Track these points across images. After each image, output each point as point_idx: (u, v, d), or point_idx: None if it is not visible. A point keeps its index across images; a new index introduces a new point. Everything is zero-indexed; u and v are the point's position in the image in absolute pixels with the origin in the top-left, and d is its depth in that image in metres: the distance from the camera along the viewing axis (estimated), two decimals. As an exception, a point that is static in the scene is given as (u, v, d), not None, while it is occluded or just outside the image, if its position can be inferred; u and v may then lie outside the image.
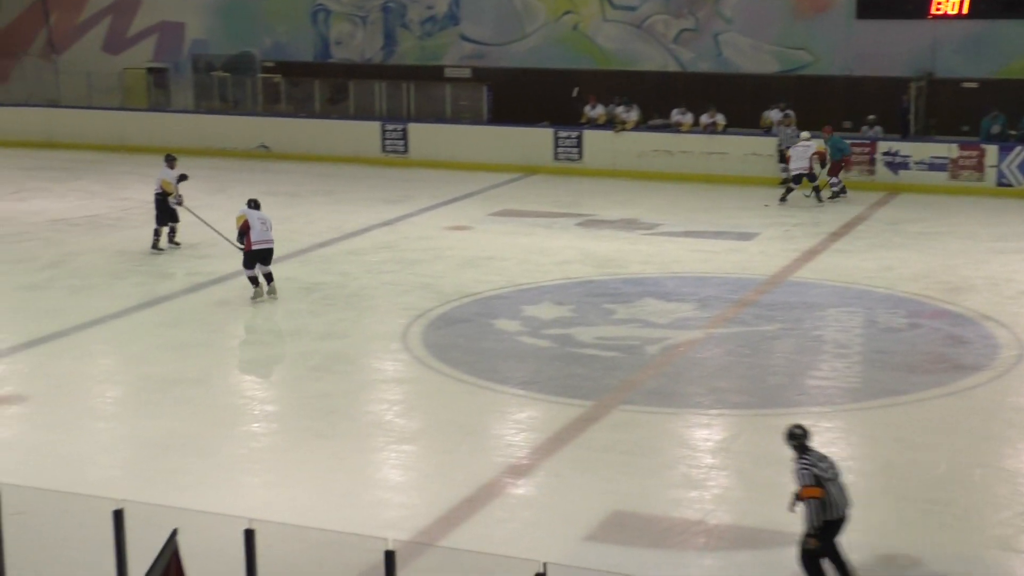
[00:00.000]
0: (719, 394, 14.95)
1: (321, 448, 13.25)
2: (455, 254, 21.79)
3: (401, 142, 31.29)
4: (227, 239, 20.51)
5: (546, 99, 31.38)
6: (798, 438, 10.12)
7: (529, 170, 29.75)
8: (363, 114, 32.37)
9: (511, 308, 18.45)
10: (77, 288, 19.75)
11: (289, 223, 24.32)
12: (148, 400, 14.88)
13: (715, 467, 12.80)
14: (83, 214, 25.13)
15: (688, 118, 29.58)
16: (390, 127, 31.44)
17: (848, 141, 27.02)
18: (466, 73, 32.70)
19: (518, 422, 14.16)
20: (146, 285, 19.83)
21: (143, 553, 7.70)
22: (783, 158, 27.28)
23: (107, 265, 21.14)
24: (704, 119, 29.30)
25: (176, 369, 15.80)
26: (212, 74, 34.91)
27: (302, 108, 33.24)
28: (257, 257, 18.90)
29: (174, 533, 6.85)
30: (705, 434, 13.87)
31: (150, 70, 35.66)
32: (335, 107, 33.17)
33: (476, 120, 31.50)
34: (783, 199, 26.00)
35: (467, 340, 16.97)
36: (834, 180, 26.52)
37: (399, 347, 16.64)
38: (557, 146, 30.10)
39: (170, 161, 22.70)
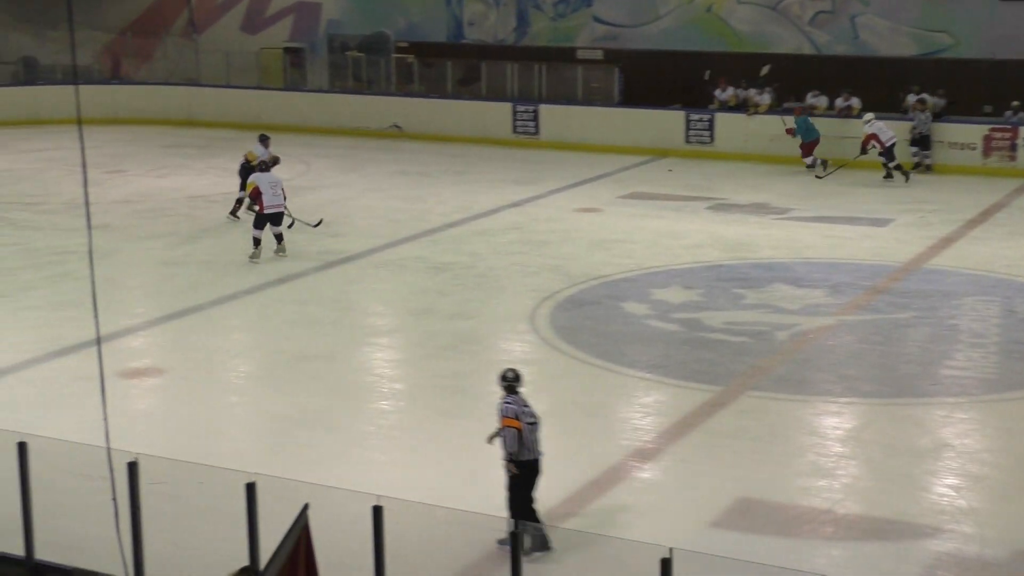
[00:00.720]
0: (850, 382, 14.70)
1: (448, 427, 13.33)
2: (584, 236, 21.74)
3: (532, 123, 31.29)
4: (302, 221, 20.77)
5: (678, 81, 31.11)
6: (509, 380, 10.68)
7: (660, 153, 29.54)
8: (495, 95, 32.43)
9: (639, 291, 18.35)
10: (213, 264, 20.12)
11: (420, 203, 24.51)
12: (279, 375, 15.11)
13: (844, 456, 12.60)
14: (220, 191, 25.56)
15: (822, 101, 29.10)
16: (521, 108, 31.45)
17: (989, 126, 26.51)
18: (598, 55, 32.56)
19: (645, 406, 14.10)
20: (279, 262, 20.10)
21: (273, 525, 7.81)
22: (915, 142, 26.89)
23: (243, 242, 21.47)
24: (839, 103, 28.80)
25: (307, 345, 16.01)
26: (347, 54, 35.25)
27: (434, 89, 33.40)
28: (267, 219, 19.98)
29: (305, 508, 6.93)
30: (835, 422, 13.65)
31: (286, 50, 36.13)
32: (467, 88, 33.28)
33: (607, 102, 31.36)
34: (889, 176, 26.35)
35: (595, 322, 16.92)
36: (808, 160, 27.16)
37: (527, 328, 16.66)
38: (688, 129, 29.85)
39: (264, 141, 23.42)
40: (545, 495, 11.42)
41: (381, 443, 13.12)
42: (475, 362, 15.65)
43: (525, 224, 22.75)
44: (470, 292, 18.50)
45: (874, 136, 26.14)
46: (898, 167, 26.38)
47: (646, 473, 12.19)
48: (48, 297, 18.13)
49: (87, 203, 8.71)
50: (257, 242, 20.05)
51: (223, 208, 23.90)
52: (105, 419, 7.62)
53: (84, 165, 8.45)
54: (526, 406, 10.63)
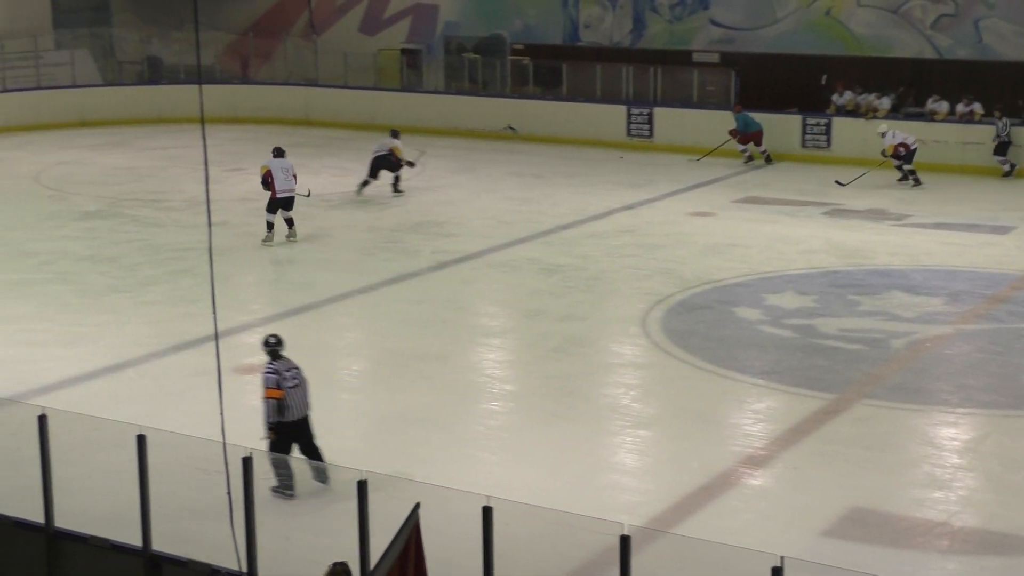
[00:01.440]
0: (967, 392, 14.40)
1: (557, 429, 13.32)
2: (697, 240, 21.58)
3: (646, 126, 31.15)
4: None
5: (794, 85, 30.73)
6: (271, 346, 11.50)
7: (775, 157, 29.21)
8: (609, 98, 32.34)
9: (753, 296, 18.17)
10: (328, 262, 20.33)
11: (533, 204, 24.53)
12: (391, 374, 15.23)
13: (961, 468, 12.34)
14: (335, 190, 25.84)
15: (942, 107, 28.55)
16: (636, 111, 31.33)
17: None
18: (714, 58, 32.30)
19: (756, 412, 13.95)
20: (393, 262, 20.27)
21: (383, 523, 7.86)
22: (997, 150, 27.01)
23: (358, 241, 21.70)
24: (960, 108, 28.23)
25: (419, 345, 16.11)
26: (463, 56, 35.42)
27: (549, 91, 33.41)
28: (279, 204, 21.02)
29: (416, 507, 6.96)
30: (951, 433, 13.38)
31: (403, 51, 36.40)
32: (582, 90, 33.23)
33: (723, 105, 31.10)
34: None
35: (707, 327, 16.79)
36: (742, 148, 28.85)
37: (638, 331, 16.58)
38: (805, 133, 29.47)
39: (396, 134, 25.32)
40: (654, 499, 11.37)
41: (491, 443, 13.15)
42: (585, 365, 15.62)
43: (638, 227, 22.65)
44: (581, 294, 18.47)
45: (901, 144, 26.15)
46: (913, 172, 26.24)
47: (757, 480, 12.06)
48: (167, 292, 18.47)
49: (208, 201, 8.79)
50: (270, 226, 21.04)
51: (338, 207, 24.17)
52: (221, 414, 7.73)
53: (206, 163, 8.59)
54: (289, 370, 11.35)
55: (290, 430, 11.31)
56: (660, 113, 31.05)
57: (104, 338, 16.32)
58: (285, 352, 11.61)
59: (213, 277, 8.52)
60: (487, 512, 7.78)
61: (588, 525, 8.49)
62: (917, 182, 26.26)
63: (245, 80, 36.47)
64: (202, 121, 8.85)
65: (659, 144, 30.72)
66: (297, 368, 11.51)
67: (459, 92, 34.57)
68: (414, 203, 24.80)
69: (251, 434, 10.09)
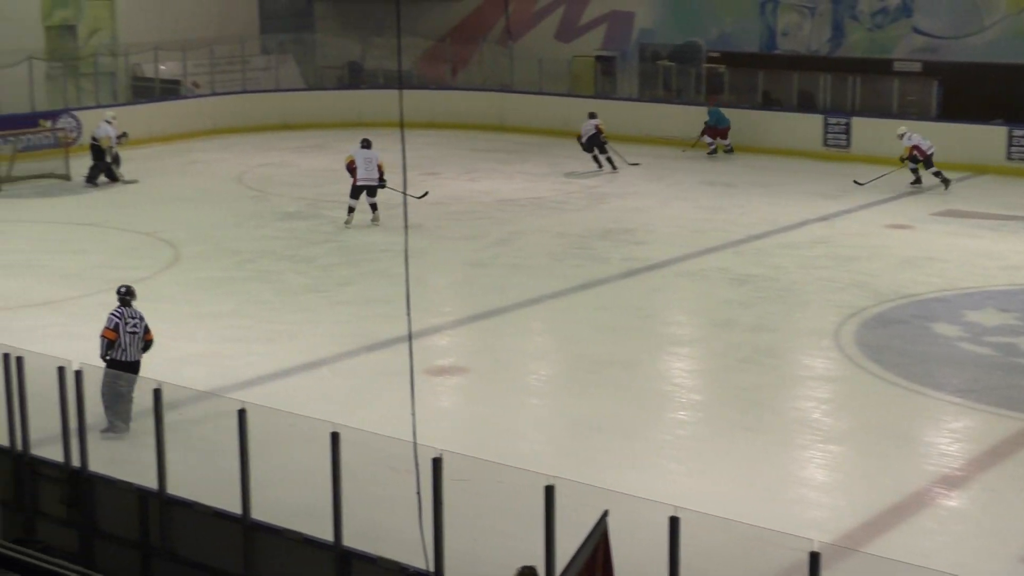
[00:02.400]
0: None
1: (745, 441, 13.15)
2: (894, 253, 21.07)
3: (843, 136, 30.54)
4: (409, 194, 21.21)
5: (1001, 95, 29.76)
6: (122, 295, 13.26)
7: (978, 169, 28.33)
8: (806, 107, 31.82)
9: (951, 312, 17.65)
10: (519, 267, 20.46)
11: (724, 213, 24.28)
12: (579, 380, 15.24)
13: None
14: (528, 195, 26.01)
15: None
16: (833, 120, 30.74)
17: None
18: (916, 67, 31.49)
19: (953, 431, 13.54)
20: (583, 268, 20.29)
21: (569, 529, 7.87)
22: None
23: (548, 246, 21.78)
24: None
25: (608, 351, 16.09)
26: (657, 63, 35.28)
27: (745, 99, 33.04)
28: (361, 190, 22.78)
29: (605, 515, 6.94)
30: None
31: (598, 58, 36.43)
32: (777, 99, 32.77)
33: (923, 115, 30.29)
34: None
35: (902, 342, 16.38)
36: (709, 140, 30.80)
37: (830, 344, 16.27)
38: (1011, 145, 28.51)
39: (594, 115, 28.85)
40: (845, 516, 11.13)
41: (677, 453, 13.05)
42: (775, 376, 15.39)
43: (832, 238, 22.22)
44: (773, 305, 18.20)
45: (916, 147, 26.33)
46: (938, 173, 26.28)
47: (952, 501, 11.71)
48: (361, 293, 18.84)
49: (405, 204, 8.95)
50: (351, 210, 22.86)
51: (530, 212, 24.33)
52: (413, 415, 7.84)
53: (404, 167, 8.75)
54: (132, 318, 13.13)
55: (124, 369, 12.71)
56: (858, 123, 30.41)
57: (300, 336, 16.72)
58: (135, 303, 13.34)
59: (408, 279, 8.65)
60: (674, 522, 7.72)
61: (777, 540, 8.35)
62: (945, 182, 26.20)
63: (442, 86, 36.98)
64: (401, 126, 8.96)
65: (856, 154, 30.06)
66: (140, 319, 13.21)
67: (653, 100, 34.44)
68: (605, 209, 24.79)
69: (439, 435, 10.21)
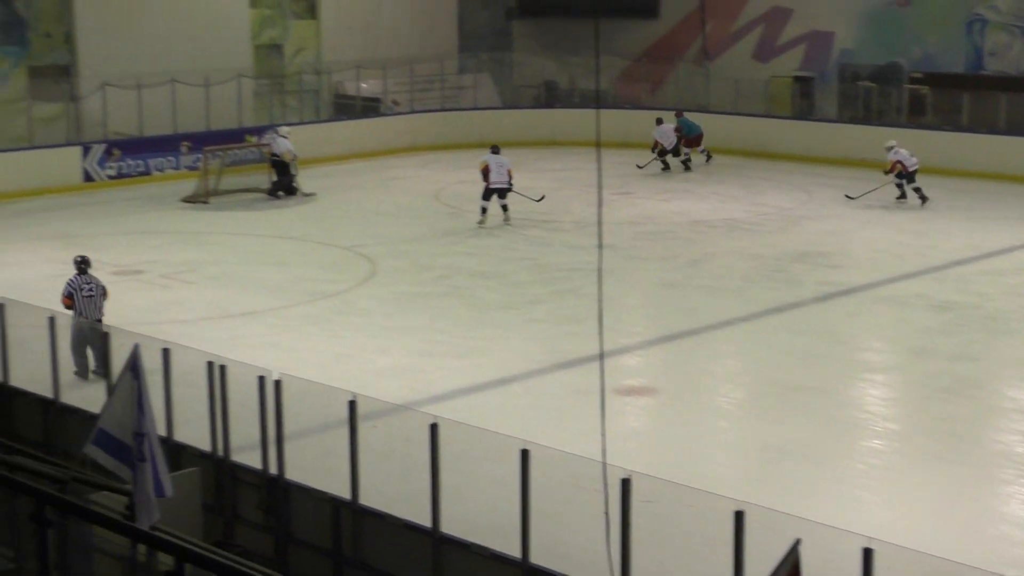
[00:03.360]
0: None
1: (944, 473, 12.78)
2: (1106, 282, 20.24)
3: (1053, 160, 29.49)
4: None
5: None
6: (78, 264, 15.31)
7: None
8: (1014, 129, 30.81)
9: None
10: (711, 289, 20.28)
11: (924, 238, 23.68)
12: (770, 405, 15.02)
13: None
14: (722, 216, 25.78)
15: None
16: (1042, 144, 29.73)
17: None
18: None
19: None
20: (776, 291, 20.00)
21: (758, 556, 7.74)
22: None
23: (741, 268, 21.54)
24: None
25: (800, 377, 15.82)
26: (858, 84, 34.63)
27: (948, 121, 32.16)
28: (494, 192, 24.49)
29: (797, 543, 6.81)
30: None
31: (796, 78, 35.95)
32: (984, 121, 31.81)
33: None
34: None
35: (1113, 376, 15.71)
36: (685, 151, 31.51)
37: (1035, 376, 15.71)
38: None
39: (660, 121, 30.84)
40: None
41: (871, 482, 12.75)
42: (977, 407, 14.91)
43: (1039, 266, 21.47)
44: (975, 334, 17.65)
45: (899, 163, 26.68)
46: (918, 189, 26.63)
47: None
48: (553, 311, 18.91)
49: (600, 223, 9.00)
50: (483, 211, 24.59)
51: (723, 234, 24.12)
52: (603, 434, 7.83)
53: (599, 187, 8.74)
54: (87, 283, 15.14)
55: (84, 329, 14.59)
56: (1068, 147, 29.34)
57: (492, 352, 16.87)
58: (91, 270, 15.40)
59: (601, 298, 8.66)
60: (868, 554, 7.54)
61: (973, 576, 8.10)
62: (923, 199, 26.61)
63: (638, 105, 36.94)
64: (598, 145, 9.03)
65: (1066, 179, 29.01)
66: (95, 283, 15.23)
67: (852, 121, 33.80)
68: (800, 232, 24.41)
69: (627, 455, 10.15)
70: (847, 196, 27.19)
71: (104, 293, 15.36)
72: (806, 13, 36.17)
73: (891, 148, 27.08)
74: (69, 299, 15.11)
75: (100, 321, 14.91)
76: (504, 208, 24.70)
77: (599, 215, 8.72)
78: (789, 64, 36.42)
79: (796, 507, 10.85)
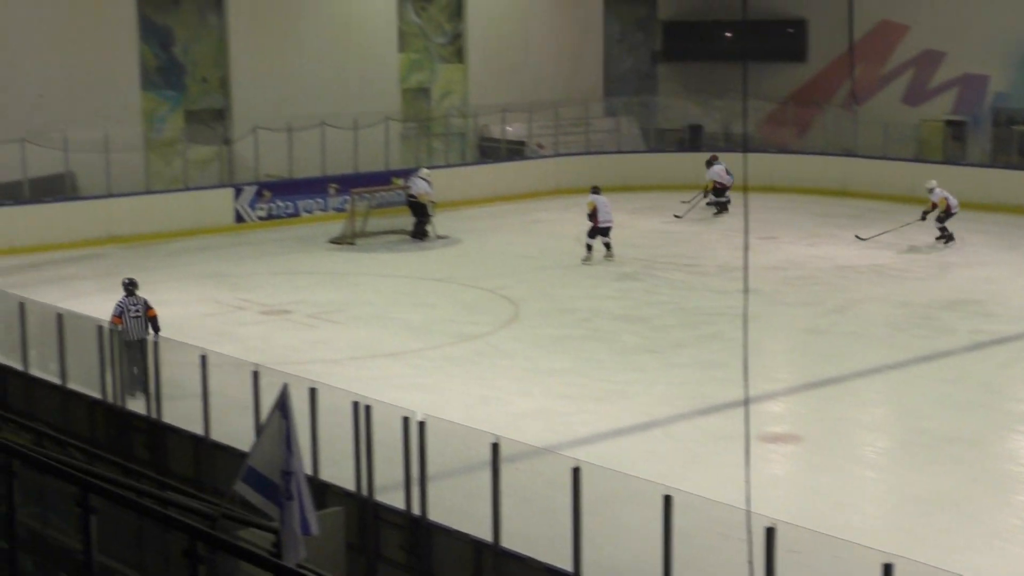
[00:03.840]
0: None
1: (1101, 530, 12.35)
2: None
3: None
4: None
5: None
6: (127, 286, 16.73)
7: None
8: None
9: None
10: (858, 335, 19.95)
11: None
12: (919, 455, 14.71)
13: None
14: (868, 262, 25.38)
15: None
16: None
17: None
18: None
19: None
20: (926, 339, 19.61)
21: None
22: None
23: (889, 315, 21.16)
24: None
25: (951, 427, 15.47)
26: (1013, 128, 33.86)
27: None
28: (600, 232, 25.39)
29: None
30: None
31: (948, 122, 35.32)
32: None
33: None
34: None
35: None
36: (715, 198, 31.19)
37: None
38: None
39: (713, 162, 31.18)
40: None
41: (1025, 538, 12.39)
42: None
43: None
44: None
45: (945, 199, 26.64)
46: (944, 229, 26.76)
47: None
48: (696, 355, 18.79)
49: (745, 267, 8.93)
50: (589, 248, 25.38)
51: (870, 280, 23.74)
52: (747, 481, 7.75)
53: (746, 231, 8.69)
54: (134, 305, 16.46)
55: (130, 346, 15.56)
56: None
57: (633, 396, 16.82)
58: (139, 292, 16.68)
59: (747, 343, 8.59)
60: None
61: None
62: (949, 239, 26.70)
63: (783, 149, 36.64)
64: (745, 190, 8.95)
65: None
66: (140, 304, 16.48)
67: (1006, 166, 33.05)
68: (950, 279, 23.93)
69: (770, 503, 10.04)
70: (857, 236, 27.47)
71: (148, 312, 16.56)
72: (959, 56, 35.53)
73: (932, 189, 27.08)
74: (118, 318, 16.27)
75: (144, 340, 15.87)
76: (607, 246, 25.50)
77: (744, 259, 8.66)
78: (940, 108, 35.81)
79: (948, 562, 10.61)
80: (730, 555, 8.75)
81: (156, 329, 16.44)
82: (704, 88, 38.41)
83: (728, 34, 39.01)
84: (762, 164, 34.28)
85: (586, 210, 25.64)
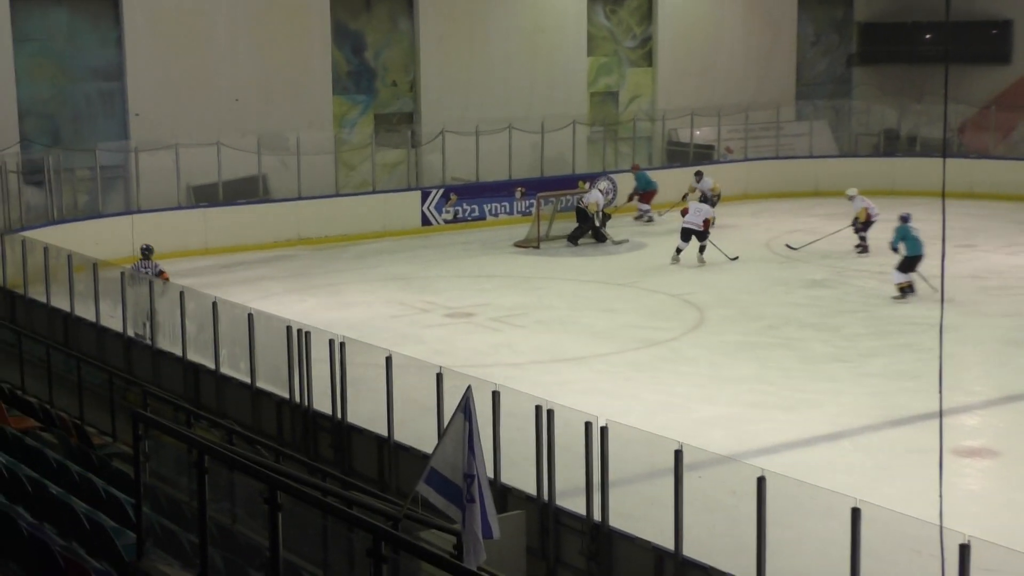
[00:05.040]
0: None
1: None
2: None
3: None
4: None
5: None
6: (144, 251, 19.94)
7: None
8: None
9: None
10: (1062, 348, 19.26)
11: None
12: None
13: None
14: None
15: None
16: None
17: None
18: None
19: None
20: None
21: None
22: None
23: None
24: None
25: None
26: None
27: None
28: (691, 234, 25.63)
29: None
30: None
31: None
32: None
33: None
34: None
35: None
36: (644, 207, 31.09)
37: None
38: None
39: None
40: None
41: None
42: None
43: None
44: None
45: (865, 209, 26.23)
46: (863, 238, 26.34)
47: None
48: (888, 365, 18.37)
49: (942, 275, 8.70)
50: (679, 251, 25.65)
51: (1077, 290, 22.90)
52: (940, 496, 7.55)
53: (944, 239, 8.46)
54: (145, 268, 19.26)
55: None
56: None
57: (822, 406, 16.53)
58: (153, 257, 19.91)
59: (942, 354, 8.37)
60: None
61: None
62: (864, 250, 26.17)
63: (984, 154, 35.56)
64: (943, 195, 8.73)
65: None
66: (151, 268, 19.34)
67: None
68: None
69: (966, 519, 9.74)
70: (788, 246, 26.87)
71: (161, 275, 19.22)
72: None
73: (853, 197, 26.68)
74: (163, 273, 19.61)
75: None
76: (701, 250, 25.65)
77: (942, 267, 8.42)
78: None
79: None
80: (921, 572, 8.53)
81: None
82: (901, 92, 37.54)
83: (928, 36, 38.05)
84: (961, 169, 33.32)
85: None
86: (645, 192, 31.58)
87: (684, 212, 26.20)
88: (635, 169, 32.26)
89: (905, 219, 22.69)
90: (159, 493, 9.29)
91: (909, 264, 22.18)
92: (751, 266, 25.67)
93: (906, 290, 22.08)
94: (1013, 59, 37.41)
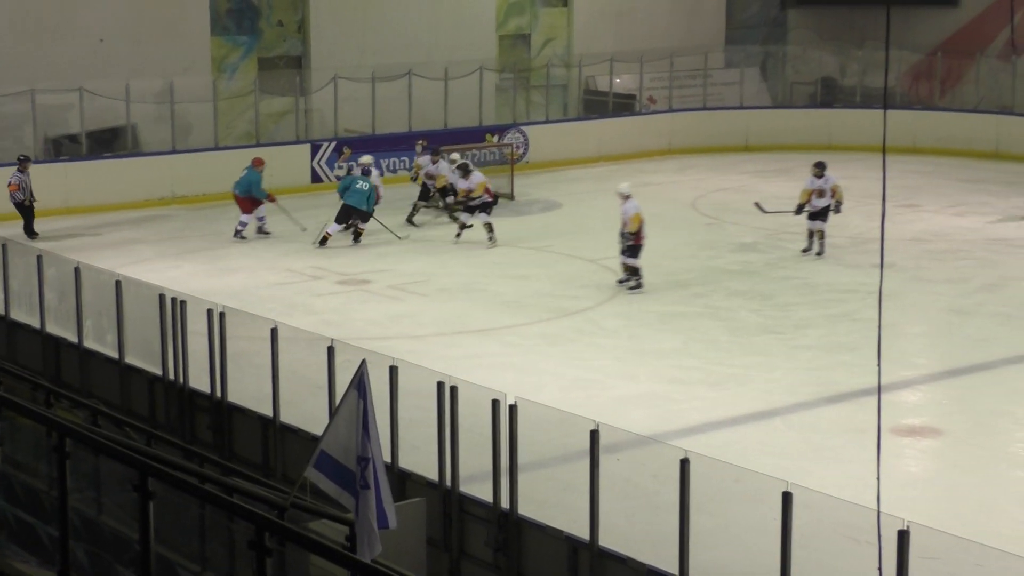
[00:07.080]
0: None
1: None
2: None
3: None
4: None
5: None
6: (21, 161, 24.02)
7: None
8: None
9: None
10: (1009, 317, 19.66)
11: None
12: (1078, 454, 14.48)
13: None
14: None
15: None
16: None
17: None
18: None
19: None
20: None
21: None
22: None
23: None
24: None
25: (1115, 423, 15.21)
26: None
27: None
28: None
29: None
30: None
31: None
32: None
33: None
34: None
35: None
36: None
37: None
38: None
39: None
40: None
41: None
42: None
43: None
44: None
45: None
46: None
47: None
48: (823, 337, 18.66)
49: (882, 239, 8.82)
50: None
51: (1027, 255, 23.38)
52: (878, 479, 7.70)
53: (884, 198, 8.59)
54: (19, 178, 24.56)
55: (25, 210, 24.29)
56: None
57: (752, 382, 16.74)
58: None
59: (881, 325, 8.51)
60: None
61: None
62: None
63: (929, 106, 36.09)
64: (883, 150, 8.86)
65: None
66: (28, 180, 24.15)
67: None
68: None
69: (905, 503, 9.94)
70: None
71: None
72: None
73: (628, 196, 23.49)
74: (15, 186, 24.47)
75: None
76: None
77: (882, 230, 8.51)
78: None
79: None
80: (857, 560, 8.70)
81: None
82: (840, 36, 37.93)
83: (870, -25, 38.50)
84: (904, 122, 33.87)
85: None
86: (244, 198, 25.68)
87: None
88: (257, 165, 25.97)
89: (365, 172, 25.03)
90: (14, 482, 9.20)
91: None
92: (674, 228, 25.83)
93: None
94: (961, 2, 37.93)
